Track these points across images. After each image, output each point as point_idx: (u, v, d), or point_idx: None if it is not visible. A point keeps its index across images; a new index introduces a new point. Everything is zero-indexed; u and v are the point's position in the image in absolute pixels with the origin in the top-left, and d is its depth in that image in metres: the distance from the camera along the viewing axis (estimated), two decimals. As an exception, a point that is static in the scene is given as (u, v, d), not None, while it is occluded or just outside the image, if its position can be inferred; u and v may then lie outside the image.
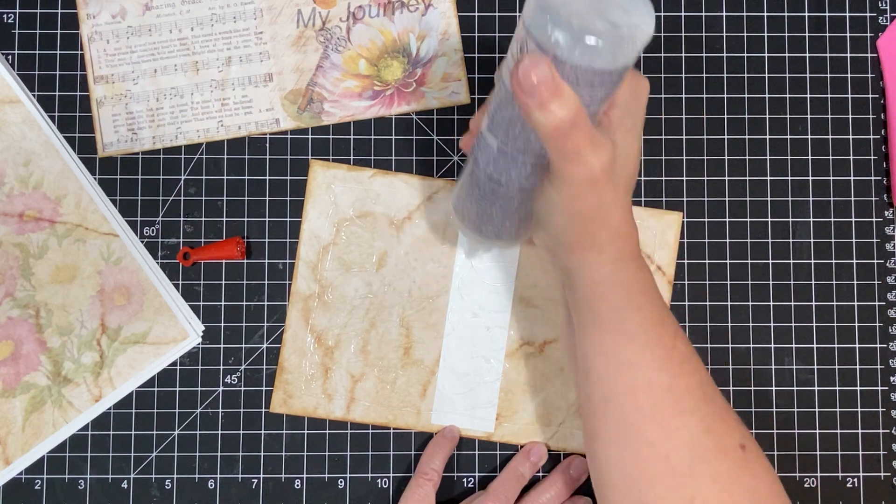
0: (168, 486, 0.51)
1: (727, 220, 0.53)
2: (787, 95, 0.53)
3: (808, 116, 0.53)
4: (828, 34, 0.53)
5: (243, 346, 0.52)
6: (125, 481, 0.51)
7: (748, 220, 0.53)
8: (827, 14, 0.54)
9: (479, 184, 0.41)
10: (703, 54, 0.53)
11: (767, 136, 0.53)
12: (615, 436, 0.39)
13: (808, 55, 0.53)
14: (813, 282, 0.53)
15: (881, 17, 0.54)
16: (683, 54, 0.53)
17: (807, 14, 0.54)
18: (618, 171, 0.37)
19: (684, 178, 0.53)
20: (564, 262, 0.41)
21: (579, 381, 0.42)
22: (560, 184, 0.36)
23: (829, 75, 0.53)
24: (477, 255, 0.52)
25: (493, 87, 0.37)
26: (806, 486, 0.52)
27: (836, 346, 0.52)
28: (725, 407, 0.40)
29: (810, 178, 0.53)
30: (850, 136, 0.53)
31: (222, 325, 0.52)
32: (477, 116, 0.43)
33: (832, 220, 0.53)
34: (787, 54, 0.53)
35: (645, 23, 0.34)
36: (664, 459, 0.38)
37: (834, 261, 0.53)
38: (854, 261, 0.53)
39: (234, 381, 0.52)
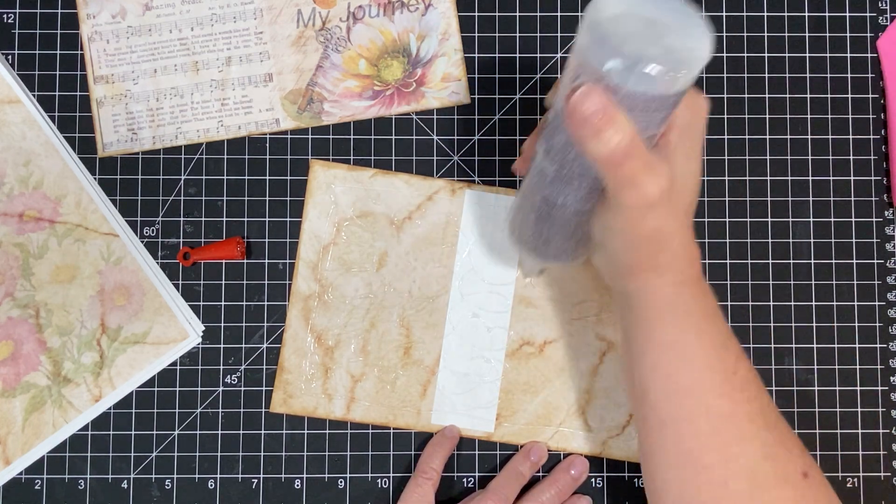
0: (168, 486, 0.51)
1: (727, 220, 0.53)
2: (787, 95, 0.53)
3: (808, 116, 0.53)
4: (828, 34, 0.53)
5: (243, 346, 0.52)
6: (125, 481, 0.51)
7: (748, 220, 0.53)
8: (827, 14, 0.54)
9: (534, 207, 0.40)
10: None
11: (767, 136, 0.53)
12: (672, 460, 0.39)
13: (808, 55, 0.53)
14: (813, 282, 0.52)
15: (881, 17, 0.54)
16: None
17: (807, 14, 0.54)
18: (677, 193, 0.36)
19: (684, 178, 0.53)
20: (623, 285, 0.40)
21: (635, 403, 0.41)
22: (617, 209, 0.36)
23: (829, 75, 0.53)
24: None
25: (540, 109, 0.36)
26: (806, 486, 0.52)
27: (836, 346, 0.52)
28: (788, 433, 0.40)
29: (810, 178, 0.53)
30: (850, 136, 0.53)
31: (222, 325, 0.52)
32: (531, 139, 0.43)
33: (832, 220, 0.53)
34: (787, 54, 0.53)
35: (701, 46, 0.32)
36: (722, 485, 0.38)
37: (834, 261, 0.53)
38: (854, 261, 0.53)
39: (234, 381, 0.52)
